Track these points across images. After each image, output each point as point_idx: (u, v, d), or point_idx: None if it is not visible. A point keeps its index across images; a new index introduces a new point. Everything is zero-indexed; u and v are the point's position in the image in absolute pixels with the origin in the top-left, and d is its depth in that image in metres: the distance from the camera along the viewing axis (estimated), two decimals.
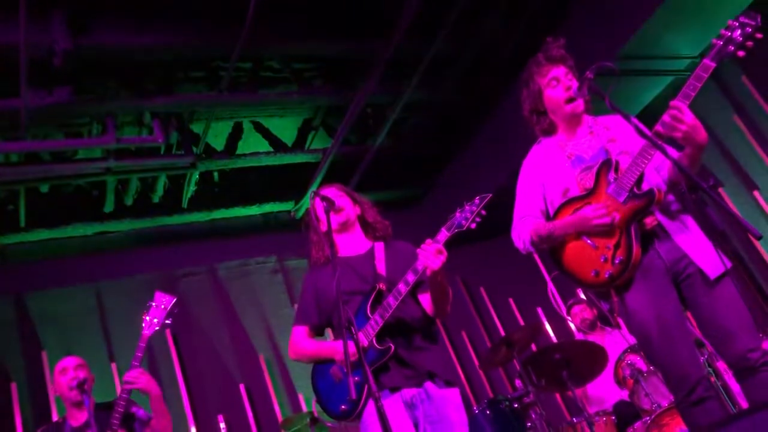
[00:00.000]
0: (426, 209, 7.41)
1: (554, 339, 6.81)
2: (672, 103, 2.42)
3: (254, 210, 6.83)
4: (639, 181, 2.57)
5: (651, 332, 2.54)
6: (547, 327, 6.93)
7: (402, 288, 2.81)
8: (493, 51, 5.87)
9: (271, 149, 6.41)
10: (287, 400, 6.25)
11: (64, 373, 3.59)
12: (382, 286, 2.94)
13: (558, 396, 6.63)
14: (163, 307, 3.56)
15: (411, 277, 2.81)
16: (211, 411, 5.94)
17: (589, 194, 2.68)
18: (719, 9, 5.03)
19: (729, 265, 2.53)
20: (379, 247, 3.12)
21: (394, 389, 2.81)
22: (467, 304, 7.33)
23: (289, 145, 6.50)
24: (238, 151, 6.32)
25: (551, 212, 2.82)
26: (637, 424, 4.19)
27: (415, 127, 6.75)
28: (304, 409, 6.04)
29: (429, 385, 2.86)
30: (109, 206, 6.20)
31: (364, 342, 2.82)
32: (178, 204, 6.47)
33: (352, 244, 3.15)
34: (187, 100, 5.53)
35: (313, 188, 6.12)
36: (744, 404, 3.20)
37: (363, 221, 3.20)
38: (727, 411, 3.42)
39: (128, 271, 6.29)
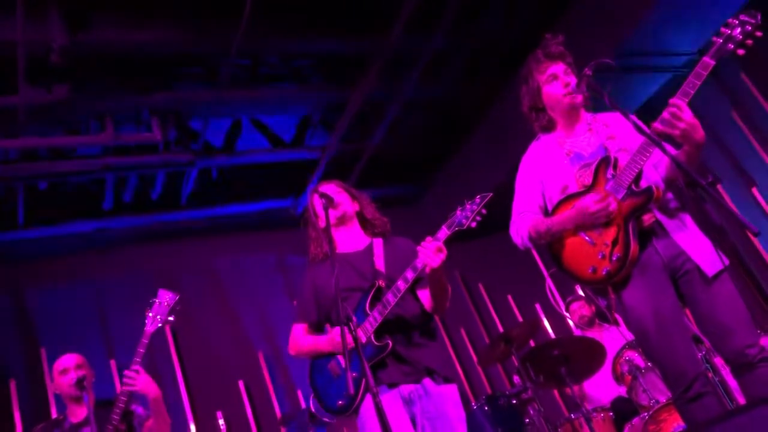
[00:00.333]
0: (425, 206, 7.42)
1: (552, 335, 6.82)
2: (671, 100, 2.42)
3: (253, 207, 6.83)
4: (637, 178, 2.57)
5: (648, 328, 2.55)
6: (546, 323, 6.94)
7: (401, 285, 2.82)
8: (492, 48, 5.86)
9: (270, 146, 6.41)
10: (286, 396, 6.26)
11: (65, 374, 3.59)
12: (381, 282, 2.95)
13: (556, 392, 6.64)
14: (166, 304, 3.56)
15: (410, 275, 2.82)
16: (209, 407, 5.94)
17: (588, 191, 2.69)
18: (717, 5, 5.04)
19: (727, 262, 2.54)
20: (378, 244, 3.12)
21: (392, 385, 2.82)
22: (466, 300, 7.34)
23: (288, 142, 6.49)
24: (237, 148, 6.32)
25: (550, 208, 2.83)
26: (635, 420, 4.20)
27: (413, 124, 6.74)
28: (303, 405, 6.05)
29: (427, 381, 2.86)
30: (107, 203, 6.19)
31: (363, 338, 2.83)
32: (176, 201, 6.47)
33: (350, 240, 3.15)
34: (186, 97, 5.52)
35: (312, 185, 6.13)
36: (741, 400, 3.21)
37: (361, 217, 3.21)
38: (724, 407, 3.43)
39: (127, 267, 6.29)
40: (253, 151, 6.30)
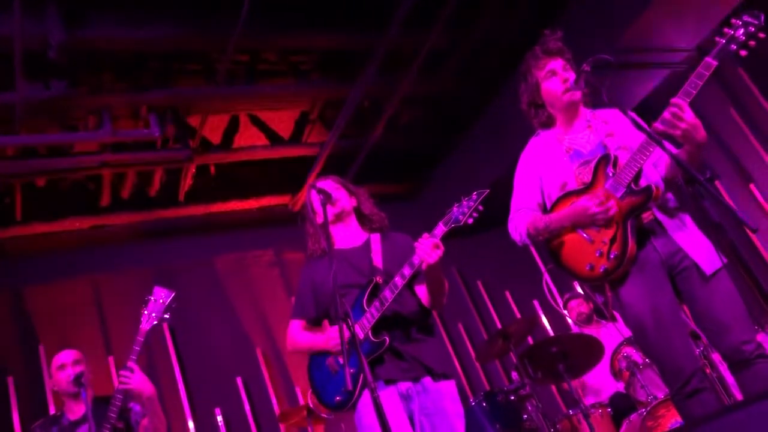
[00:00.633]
0: (423, 202, 7.42)
1: (551, 332, 6.83)
2: (673, 100, 2.41)
3: (251, 203, 6.82)
4: (637, 177, 2.57)
5: (646, 325, 2.55)
6: (544, 320, 6.95)
7: (398, 282, 2.83)
8: (491, 44, 5.86)
9: (268, 142, 6.40)
10: (284, 392, 6.27)
11: (63, 370, 3.58)
12: (378, 279, 2.95)
13: (554, 388, 6.65)
14: (161, 301, 3.55)
15: (407, 271, 2.82)
16: (208, 404, 5.95)
17: (587, 188, 2.69)
18: (715, 2, 5.03)
19: (725, 260, 2.54)
20: (376, 239, 3.12)
21: (390, 382, 2.82)
22: (464, 296, 7.35)
23: (286, 138, 6.49)
24: (235, 145, 6.31)
25: (548, 205, 2.83)
26: (633, 416, 4.21)
27: (412, 120, 6.74)
28: (302, 401, 6.06)
29: (425, 378, 2.87)
30: (105, 200, 6.19)
31: (360, 335, 2.83)
32: (174, 197, 6.46)
33: (348, 236, 3.16)
34: (184, 93, 5.51)
35: (310, 181, 6.12)
36: (739, 396, 3.21)
37: (359, 213, 3.21)
38: (722, 403, 3.44)
39: (125, 264, 6.29)
40: (251, 147, 6.30)
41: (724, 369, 3.61)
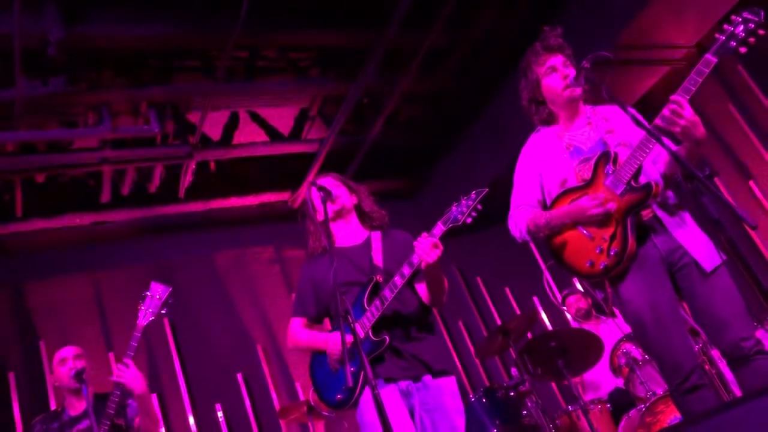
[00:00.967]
0: (422, 200, 7.42)
1: (550, 328, 6.84)
2: (672, 97, 2.42)
3: (251, 200, 6.83)
4: (637, 173, 2.57)
5: (645, 321, 2.56)
6: (543, 316, 6.96)
7: (398, 281, 2.83)
8: (490, 41, 5.86)
9: (268, 139, 6.40)
10: (284, 388, 6.28)
11: (63, 364, 3.60)
12: (379, 278, 2.96)
13: (554, 384, 6.67)
14: (158, 297, 3.57)
15: (407, 270, 2.83)
16: (208, 400, 5.96)
17: (587, 185, 2.69)
18: None
19: (724, 257, 2.54)
20: (376, 237, 3.13)
21: (390, 380, 2.83)
22: (464, 293, 7.35)
23: (286, 135, 6.49)
24: (235, 141, 6.32)
25: (548, 202, 2.83)
26: (632, 412, 4.22)
27: (411, 117, 6.74)
28: (302, 397, 6.07)
29: (425, 377, 2.88)
30: (105, 196, 6.19)
31: (360, 334, 2.84)
32: (174, 194, 6.46)
33: (348, 233, 3.16)
34: (183, 90, 5.51)
35: (310, 178, 6.13)
36: (738, 392, 3.22)
37: (360, 210, 3.21)
38: (720, 399, 3.45)
39: (125, 260, 6.29)
40: (250, 144, 6.30)
41: (723, 365, 3.62)
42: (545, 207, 2.85)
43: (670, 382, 2.55)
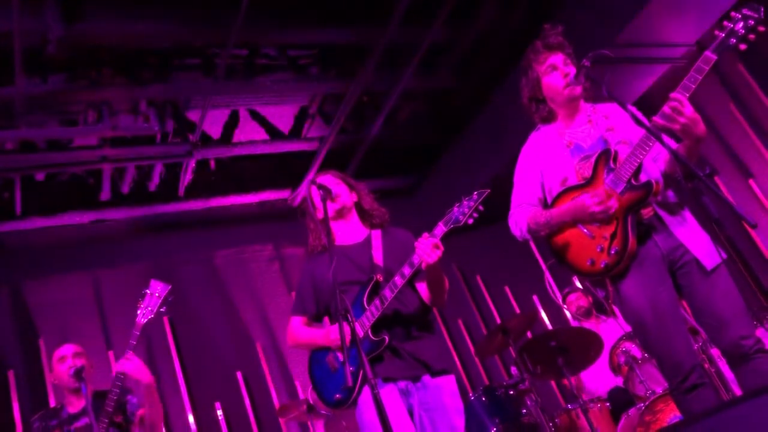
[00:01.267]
0: (422, 197, 7.42)
1: (550, 327, 6.84)
2: (672, 95, 2.41)
3: (251, 198, 6.82)
4: (637, 172, 2.57)
5: (646, 319, 2.55)
6: (543, 315, 6.96)
7: (398, 281, 2.83)
8: (490, 39, 5.85)
9: (268, 137, 6.40)
10: (284, 387, 6.28)
11: (63, 362, 3.61)
12: (379, 277, 2.95)
13: (553, 383, 6.67)
14: (157, 295, 3.58)
15: (407, 271, 2.83)
16: (208, 398, 5.96)
17: (587, 183, 2.69)
18: None
19: (725, 255, 2.54)
20: (377, 235, 3.12)
21: (389, 380, 2.83)
22: (463, 291, 7.35)
23: (286, 133, 6.48)
24: (235, 139, 6.31)
25: (549, 200, 2.83)
26: (632, 411, 4.22)
27: (412, 115, 6.74)
28: (301, 396, 6.07)
29: (424, 377, 2.87)
30: (105, 194, 6.18)
31: (360, 333, 2.83)
32: (174, 192, 6.46)
33: (348, 232, 3.15)
34: (183, 88, 5.50)
35: (310, 176, 6.13)
36: (738, 391, 3.22)
37: (360, 208, 3.21)
38: (720, 398, 3.45)
39: (125, 259, 6.29)
40: (250, 142, 6.29)
41: (722, 364, 3.62)
42: (546, 205, 2.85)
43: (670, 380, 2.55)
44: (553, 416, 4.60)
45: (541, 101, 2.89)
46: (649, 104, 2.54)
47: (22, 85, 4.72)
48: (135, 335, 3.47)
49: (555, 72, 2.80)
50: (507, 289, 7.31)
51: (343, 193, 3.14)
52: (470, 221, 2.77)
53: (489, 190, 2.78)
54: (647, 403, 4.00)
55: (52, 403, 5.31)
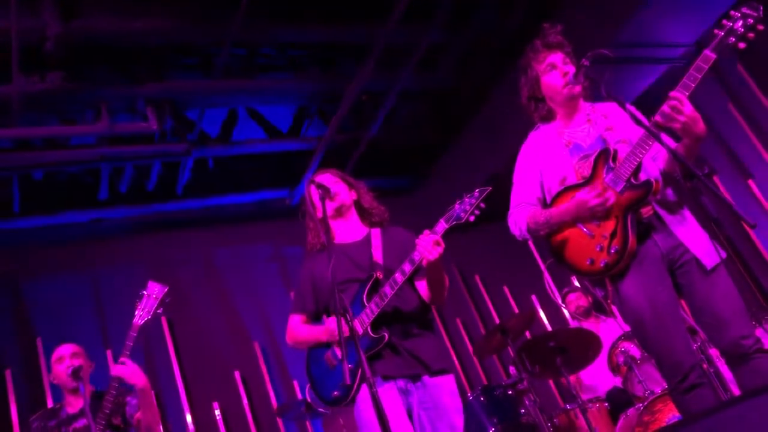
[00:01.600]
0: (421, 197, 7.41)
1: (549, 327, 6.84)
2: (672, 93, 2.41)
3: (249, 197, 6.82)
4: (636, 171, 2.57)
5: (645, 319, 2.55)
6: (542, 314, 6.96)
7: (398, 278, 2.82)
8: (489, 38, 5.85)
9: (266, 136, 6.39)
10: (282, 387, 6.27)
11: (61, 362, 3.61)
12: (378, 274, 2.95)
13: (552, 383, 6.67)
14: (155, 296, 3.57)
15: (408, 267, 2.82)
16: (206, 398, 5.95)
17: (587, 183, 2.68)
18: None
19: (724, 255, 2.54)
20: (376, 234, 3.12)
21: (388, 378, 2.82)
22: (462, 291, 7.35)
23: (285, 132, 6.48)
24: (233, 138, 6.30)
25: (548, 200, 2.82)
26: (630, 411, 4.22)
27: (411, 114, 6.73)
28: (299, 396, 6.06)
29: (423, 376, 2.87)
30: (103, 193, 6.17)
31: (359, 330, 2.83)
32: (172, 191, 6.45)
33: (348, 230, 3.15)
34: (182, 87, 5.49)
35: (309, 175, 6.11)
36: (736, 391, 3.22)
37: (359, 207, 3.20)
38: (719, 398, 3.45)
39: (123, 258, 6.29)
40: (249, 141, 6.28)
41: (721, 364, 3.62)
42: (545, 205, 2.85)
43: (668, 380, 2.55)
44: (552, 416, 4.59)
45: (540, 100, 2.88)
46: (648, 104, 2.53)
47: (19, 83, 4.71)
48: (132, 337, 3.46)
49: (554, 71, 2.80)
50: (506, 289, 7.31)
51: (342, 192, 3.13)
52: (471, 219, 2.76)
53: (491, 188, 2.77)
54: (646, 403, 4.00)
55: (50, 403, 5.30)
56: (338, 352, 2.92)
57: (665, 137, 2.46)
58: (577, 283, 5.62)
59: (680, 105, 2.39)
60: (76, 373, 3.42)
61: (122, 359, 3.41)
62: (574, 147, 2.79)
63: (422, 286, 2.98)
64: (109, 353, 5.76)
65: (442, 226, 2.79)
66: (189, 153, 5.95)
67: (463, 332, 7.14)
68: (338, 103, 5.91)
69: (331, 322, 2.93)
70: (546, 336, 4.56)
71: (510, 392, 4.56)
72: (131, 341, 3.46)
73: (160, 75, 5.31)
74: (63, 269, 6.11)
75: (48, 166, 5.70)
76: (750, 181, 5.63)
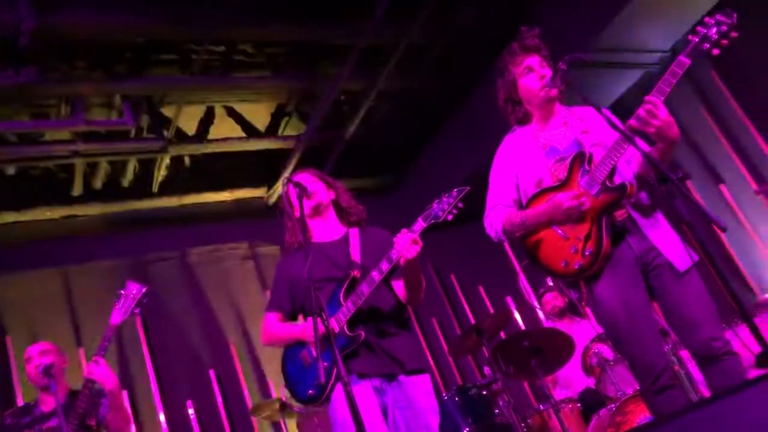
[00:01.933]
0: (400, 197, 7.42)
1: (523, 327, 6.89)
2: (647, 98, 2.44)
3: (226, 195, 6.78)
4: (611, 174, 2.60)
5: (618, 321, 2.58)
6: (517, 316, 7.00)
7: (375, 276, 2.82)
8: (467, 40, 5.88)
9: (244, 135, 6.35)
10: (257, 386, 6.24)
11: (29, 362, 3.59)
12: (356, 273, 2.95)
13: (525, 383, 6.71)
14: (132, 296, 3.54)
15: (385, 266, 2.82)
16: (180, 397, 5.90)
17: (562, 185, 2.71)
18: (690, 3, 5.10)
19: (696, 258, 2.58)
20: (354, 233, 3.12)
21: (363, 376, 2.82)
22: (438, 291, 7.37)
23: (262, 130, 6.45)
24: (210, 136, 6.26)
25: (524, 202, 2.84)
26: (602, 412, 4.26)
27: (389, 114, 6.74)
28: (274, 395, 6.04)
29: (399, 376, 2.87)
30: (77, 190, 6.10)
31: (335, 328, 2.82)
32: (148, 188, 6.39)
33: (326, 229, 3.15)
34: (159, 83, 5.45)
35: (287, 174, 6.10)
36: (706, 392, 3.27)
37: (337, 206, 3.20)
38: (689, 399, 3.50)
39: (97, 255, 6.21)
40: (226, 139, 6.25)
41: (691, 366, 3.67)
42: (521, 207, 2.86)
43: (641, 382, 2.58)
44: (525, 416, 4.62)
45: (517, 103, 2.90)
46: (622, 110, 2.56)
47: None
48: (107, 337, 3.43)
49: (531, 74, 2.82)
50: (481, 289, 7.34)
51: (320, 191, 3.13)
52: (449, 218, 2.77)
53: (469, 188, 2.78)
54: (618, 404, 4.04)
55: (20, 401, 5.22)
56: (314, 351, 2.91)
57: (640, 141, 2.50)
58: (551, 284, 5.67)
59: (655, 109, 2.42)
60: (47, 371, 3.38)
61: (96, 358, 3.38)
62: (550, 149, 2.81)
63: (399, 286, 2.99)
64: (81, 351, 5.69)
65: (420, 224, 2.80)
66: (165, 150, 5.90)
67: (439, 332, 7.16)
68: (317, 102, 5.90)
69: (309, 322, 2.92)
70: (520, 335, 4.58)
71: (484, 392, 4.58)
72: (107, 341, 3.43)
73: (137, 71, 5.26)
74: (35, 266, 6.01)
75: (21, 161, 5.61)
76: (722, 186, 5.72)
